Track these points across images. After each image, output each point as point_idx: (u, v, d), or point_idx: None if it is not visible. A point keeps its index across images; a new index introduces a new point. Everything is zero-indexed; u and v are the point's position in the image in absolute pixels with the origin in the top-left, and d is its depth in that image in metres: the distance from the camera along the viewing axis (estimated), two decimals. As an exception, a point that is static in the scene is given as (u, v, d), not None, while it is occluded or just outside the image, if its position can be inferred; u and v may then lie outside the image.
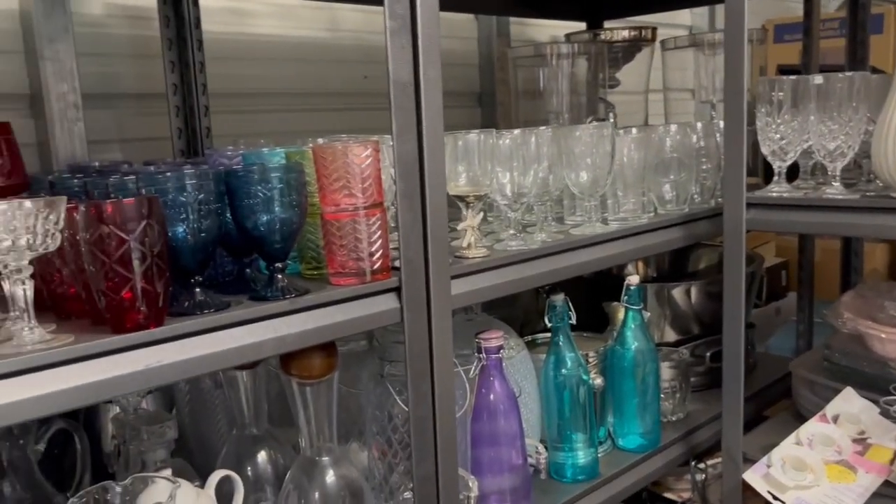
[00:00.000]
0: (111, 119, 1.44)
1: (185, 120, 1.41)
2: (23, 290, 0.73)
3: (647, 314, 1.43)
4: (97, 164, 1.19)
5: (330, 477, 1.03)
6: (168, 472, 0.94)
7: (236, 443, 1.13)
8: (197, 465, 1.19)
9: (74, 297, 0.86)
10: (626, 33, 1.87)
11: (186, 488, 0.91)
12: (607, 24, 2.11)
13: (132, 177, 0.87)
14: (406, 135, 0.94)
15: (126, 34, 1.47)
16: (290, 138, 1.22)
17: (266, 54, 1.67)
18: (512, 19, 2.21)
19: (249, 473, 1.10)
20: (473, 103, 2.20)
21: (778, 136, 1.28)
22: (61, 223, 0.74)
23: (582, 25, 2.13)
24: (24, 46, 1.33)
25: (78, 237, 0.77)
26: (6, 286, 0.77)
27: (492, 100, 2.16)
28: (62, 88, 1.31)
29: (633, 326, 1.39)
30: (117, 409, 1.18)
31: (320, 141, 1.20)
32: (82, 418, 1.19)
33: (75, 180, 1.00)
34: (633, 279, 1.37)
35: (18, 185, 1.05)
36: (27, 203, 0.73)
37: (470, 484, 1.10)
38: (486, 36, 2.17)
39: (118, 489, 0.87)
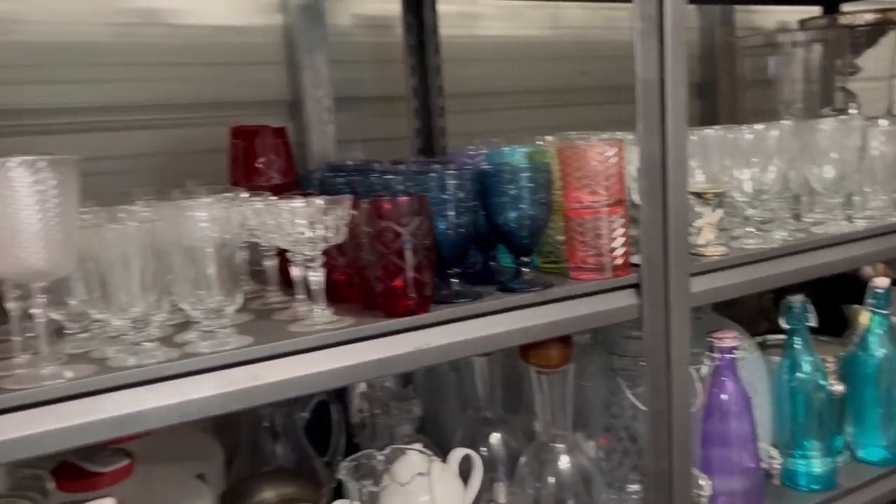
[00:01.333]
0: (356, 121, 1.57)
1: (423, 120, 1.51)
2: (315, 277, 0.84)
3: (894, 319, 1.33)
4: (350, 162, 1.30)
5: (564, 463, 1.07)
6: (419, 446, 1.03)
7: (471, 424, 1.21)
8: (428, 444, 1.28)
9: (345, 283, 0.96)
10: (869, 17, 1.74)
11: (435, 463, 0.99)
12: (845, 8, 1.96)
13: (397, 176, 0.96)
14: (651, 133, 0.95)
15: (370, 42, 1.60)
16: (517, 136, 1.27)
17: (494, 55, 1.74)
18: (737, 7, 2.13)
19: (484, 454, 1.17)
20: (692, 95, 2.15)
21: None
22: (346, 218, 0.84)
23: (814, 10, 2.00)
24: (286, 57, 1.49)
25: (356, 230, 0.86)
26: (296, 272, 0.89)
27: (712, 91, 2.09)
28: (317, 94, 1.45)
29: (878, 332, 1.31)
30: (363, 386, 1.30)
31: (549, 138, 1.24)
32: (333, 392, 1.32)
33: (339, 178, 1.11)
34: (882, 281, 1.28)
35: (291, 183, 1.18)
36: (319, 200, 0.83)
37: (702, 483, 1.10)
38: (708, 25, 2.10)
39: (380, 457, 0.97)
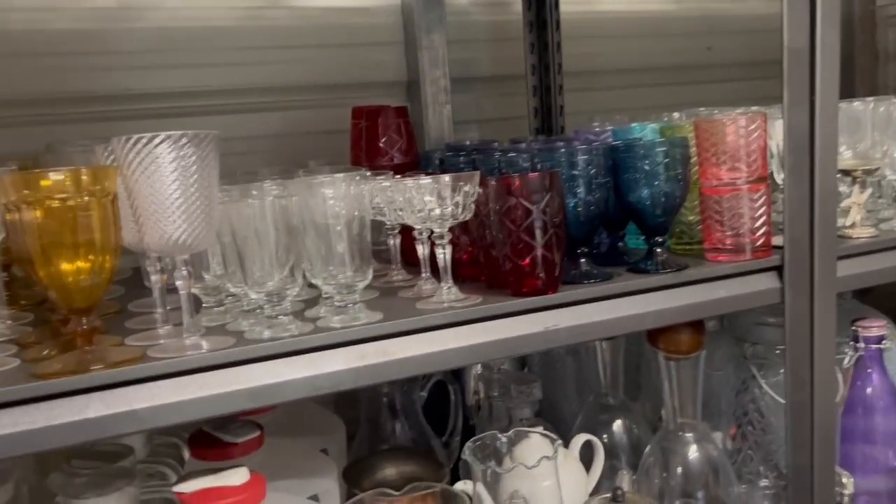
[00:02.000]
0: (471, 101, 1.55)
1: (541, 99, 1.48)
2: (443, 254, 0.83)
3: None
4: (468, 142, 1.29)
5: (693, 453, 1.02)
6: (540, 429, 1.01)
7: (591, 410, 1.18)
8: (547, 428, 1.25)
9: (467, 262, 0.95)
10: None
11: (560, 447, 0.97)
12: None
13: (522, 154, 0.93)
14: (798, 106, 0.89)
15: (487, 20, 1.58)
16: (638, 114, 1.22)
17: (615, 31, 1.68)
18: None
19: (605, 440, 1.14)
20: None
21: None
22: (475, 195, 0.82)
23: (968, -27, 1.83)
24: (405, 38, 1.49)
25: (483, 208, 0.85)
26: (422, 250, 0.88)
27: (849, 65, 1.95)
28: (435, 74, 1.44)
29: None
30: (479, 368, 1.29)
31: (676, 115, 1.18)
32: (451, 372, 1.31)
33: (460, 157, 1.10)
34: None
35: (411, 163, 1.18)
36: (446, 177, 0.82)
37: (844, 480, 1.03)
38: (844, -6, 1.96)
39: (503, 439, 0.95)
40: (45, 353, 0.73)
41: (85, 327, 0.70)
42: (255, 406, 0.71)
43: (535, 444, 0.97)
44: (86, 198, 0.68)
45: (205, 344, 0.72)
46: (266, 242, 0.76)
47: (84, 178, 0.68)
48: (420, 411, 1.21)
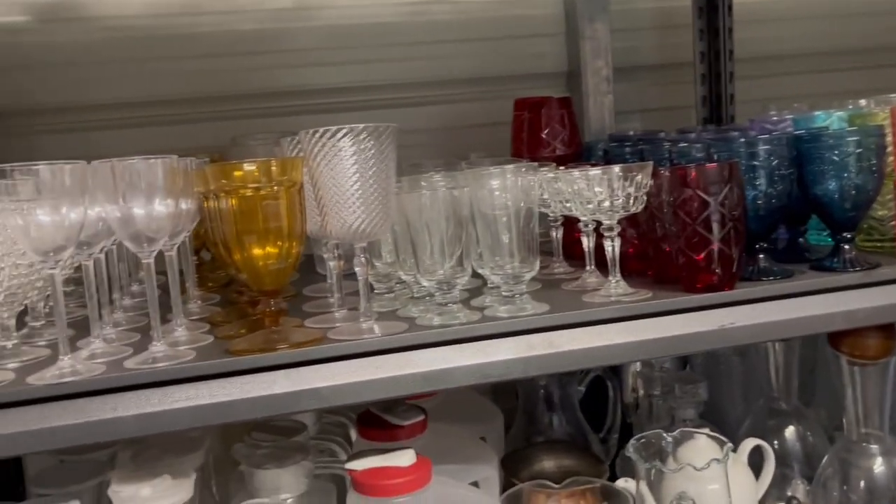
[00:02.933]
0: (633, 91, 1.51)
1: (710, 87, 1.42)
2: (612, 247, 0.81)
3: None
4: (632, 132, 1.26)
5: (878, 466, 0.95)
6: (707, 431, 0.97)
7: (760, 414, 1.12)
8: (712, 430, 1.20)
9: (633, 255, 0.92)
10: None
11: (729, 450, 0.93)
12: None
13: (696, 144, 0.90)
14: None
15: (652, 7, 1.53)
16: (818, 101, 1.14)
17: (792, 13, 1.58)
18: None
19: (776, 447, 1.08)
20: None
21: None
22: (646, 186, 0.80)
23: None
24: (566, 28, 1.47)
25: (655, 200, 0.82)
26: (587, 242, 0.87)
27: None
28: (597, 64, 1.42)
29: None
30: (638, 365, 1.26)
31: (862, 102, 1.09)
32: (609, 368, 1.29)
33: (626, 147, 1.07)
34: None
35: (575, 154, 1.17)
36: (616, 168, 0.80)
37: None
38: None
39: (669, 439, 0.92)
40: (237, 331, 0.79)
41: (273, 309, 0.74)
42: (428, 390, 0.73)
43: (702, 445, 0.93)
44: (275, 187, 0.73)
45: (379, 328, 0.75)
46: (437, 232, 0.78)
47: (274, 168, 0.73)
48: (577, 406, 1.19)
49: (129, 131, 1.33)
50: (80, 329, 0.81)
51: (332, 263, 0.84)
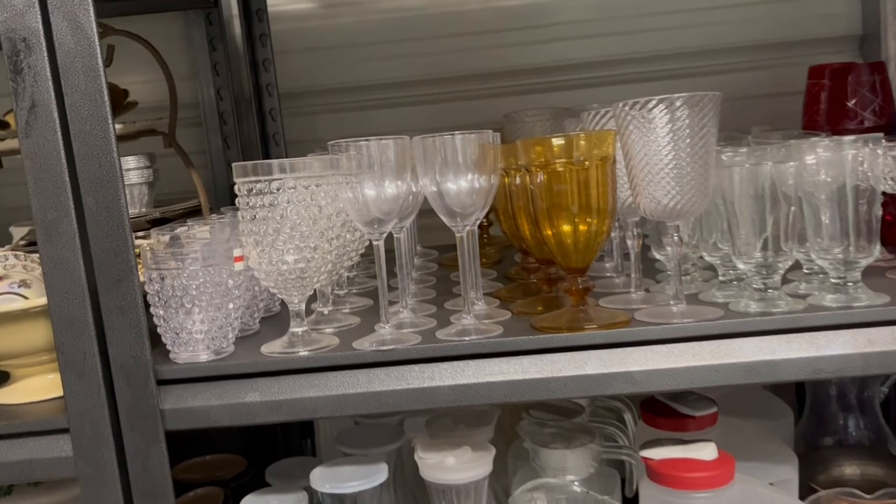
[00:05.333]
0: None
1: None
2: None
3: None
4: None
5: None
6: None
7: None
8: None
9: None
10: None
11: None
12: None
13: None
14: None
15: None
16: None
17: None
18: None
19: None
20: None
21: None
22: None
23: None
24: (864, -14, 1.31)
25: None
26: None
27: None
28: (901, 25, 1.25)
29: None
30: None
31: None
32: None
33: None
34: None
35: (888, 125, 1.03)
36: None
37: None
38: None
39: None
40: (534, 309, 0.78)
41: (580, 287, 0.72)
42: (750, 381, 0.68)
43: None
44: (587, 162, 0.70)
45: (691, 312, 0.70)
46: (752, 210, 0.71)
47: (584, 143, 0.70)
48: (878, 409, 1.07)
49: (401, 110, 1.38)
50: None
51: (630, 242, 0.81)
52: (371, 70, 1.37)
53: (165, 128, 1.06)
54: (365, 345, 0.70)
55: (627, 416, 1.00)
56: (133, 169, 1.14)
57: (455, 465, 0.75)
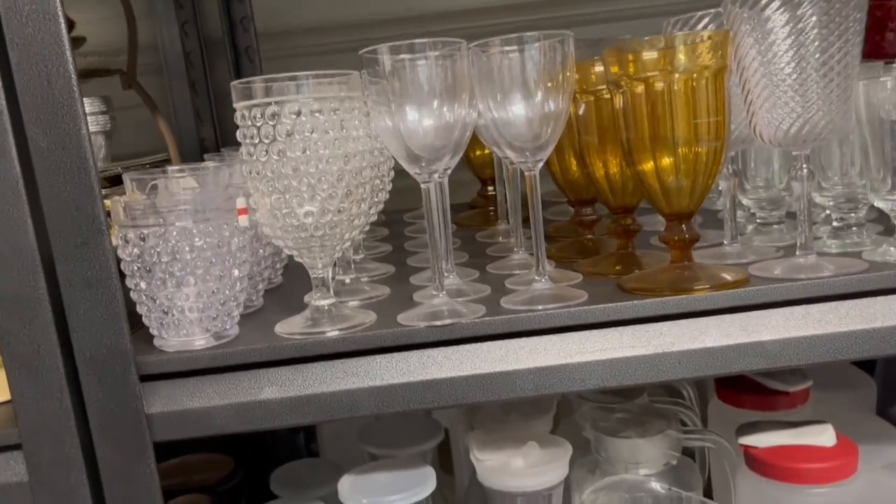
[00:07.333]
0: None
1: None
2: None
3: None
4: None
5: None
6: None
7: None
8: None
9: None
10: None
11: None
12: None
13: None
14: None
15: None
16: None
17: None
18: None
19: None
20: None
21: None
22: None
23: None
24: None
25: None
26: None
27: None
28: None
29: None
30: None
31: None
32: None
33: None
34: None
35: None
36: None
37: None
38: None
39: None
40: (610, 268, 0.63)
41: (686, 236, 0.57)
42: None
43: None
44: (695, 74, 0.54)
45: (827, 264, 0.55)
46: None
47: (699, 47, 0.54)
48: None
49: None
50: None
51: (723, 184, 0.65)
52: (365, 3, 1.18)
53: (122, 66, 0.87)
54: (414, 320, 0.53)
55: (690, 393, 0.85)
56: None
57: (525, 469, 0.60)
